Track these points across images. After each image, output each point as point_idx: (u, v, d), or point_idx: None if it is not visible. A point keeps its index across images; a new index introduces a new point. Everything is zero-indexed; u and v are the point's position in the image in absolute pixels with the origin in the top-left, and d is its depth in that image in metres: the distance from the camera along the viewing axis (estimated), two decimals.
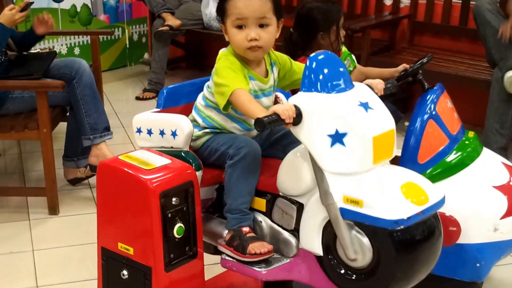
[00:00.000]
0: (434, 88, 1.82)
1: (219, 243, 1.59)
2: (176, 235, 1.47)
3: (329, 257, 1.43)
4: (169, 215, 1.45)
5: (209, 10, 4.00)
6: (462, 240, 1.67)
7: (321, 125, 1.35)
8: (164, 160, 1.52)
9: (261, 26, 1.53)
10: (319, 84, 1.37)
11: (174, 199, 1.46)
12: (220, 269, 1.85)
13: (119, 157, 1.53)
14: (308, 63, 1.41)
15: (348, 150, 1.33)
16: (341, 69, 1.41)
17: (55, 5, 4.13)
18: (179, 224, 1.47)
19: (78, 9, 4.30)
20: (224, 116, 1.61)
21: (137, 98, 4.03)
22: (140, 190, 1.43)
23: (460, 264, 1.69)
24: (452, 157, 1.74)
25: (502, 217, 1.69)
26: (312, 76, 1.38)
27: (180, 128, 1.59)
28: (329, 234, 1.42)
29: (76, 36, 4.25)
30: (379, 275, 1.36)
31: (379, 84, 1.56)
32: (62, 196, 2.62)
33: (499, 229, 1.68)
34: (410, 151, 1.70)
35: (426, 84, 1.81)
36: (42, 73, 2.59)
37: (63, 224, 2.46)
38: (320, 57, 1.41)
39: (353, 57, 2.45)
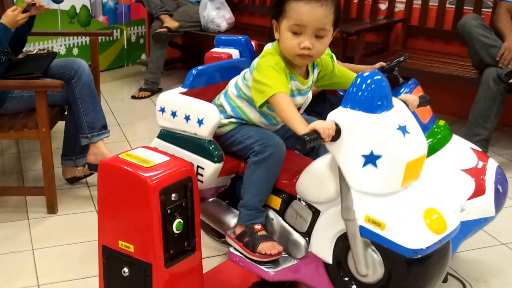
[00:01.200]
0: (409, 82, 1.90)
1: (228, 235, 1.58)
2: (175, 231, 1.48)
3: (338, 268, 1.44)
4: (169, 211, 1.46)
5: (207, 12, 4.03)
6: None
7: (357, 144, 1.33)
8: (163, 157, 1.53)
9: (317, 36, 1.48)
10: (362, 103, 1.35)
11: (173, 195, 1.47)
12: (216, 261, 1.89)
13: (119, 155, 1.54)
14: (355, 81, 1.38)
15: (380, 173, 1.32)
16: (385, 89, 1.37)
17: (54, 6, 4.15)
18: (178, 220, 1.48)
19: (78, 10, 4.32)
20: (255, 110, 1.58)
21: (133, 97, 4.04)
22: (141, 187, 1.44)
23: None
24: None
25: (469, 198, 1.76)
26: (358, 94, 1.35)
27: (208, 117, 1.55)
28: (342, 247, 1.42)
29: (75, 37, 4.27)
30: None
31: (414, 101, 1.54)
32: (61, 195, 2.63)
33: (466, 209, 1.75)
34: None
35: (401, 79, 1.89)
36: (42, 73, 2.60)
37: (62, 223, 2.47)
38: (368, 75, 1.37)
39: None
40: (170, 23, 3.98)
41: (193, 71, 1.70)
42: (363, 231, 1.35)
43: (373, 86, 1.35)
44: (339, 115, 1.37)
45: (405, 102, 1.47)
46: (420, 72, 3.14)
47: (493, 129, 2.89)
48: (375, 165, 1.32)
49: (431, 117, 1.92)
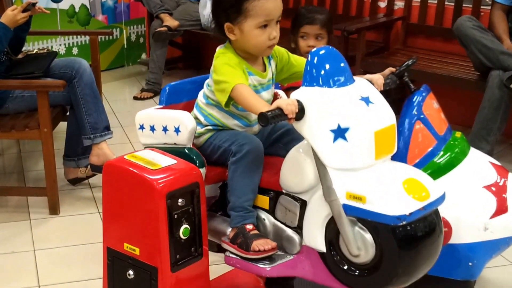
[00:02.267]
0: (420, 89, 1.83)
1: (222, 240, 1.59)
2: (182, 236, 1.47)
3: (332, 253, 1.44)
4: (175, 216, 1.45)
5: (207, 11, 4.02)
6: (453, 240, 1.69)
7: (324, 120, 1.35)
8: (170, 160, 1.52)
9: (276, 23, 1.55)
10: (320, 79, 1.38)
11: (180, 200, 1.46)
12: (223, 269, 1.87)
13: (125, 156, 1.53)
14: (309, 58, 1.41)
15: (351, 145, 1.34)
16: (342, 64, 1.41)
17: (53, 5, 4.14)
18: (185, 226, 1.47)
19: (77, 10, 4.31)
20: (225, 113, 1.62)
21: (135, 98, 4.04)
22: (147, 190, 1.44)
23: (453, 264, 1.71)
24: (440, 158, 1.75)
25: (492, 216, 1.71)
26: (314, 71, 1.39)
27: (183, 124, 1.58)
28: (332, 231, 1.43)
29: (75, 36, 4.26)
30: (381, 271, 1.37)
31: (379, 79, 1.57)
32: (63, 196, 2.62)
33: (489, 228, 1.70)
34: (399, 154, 1.70)
35: (412, 86, 1.83)
36: (43, 72, 2.59)
37: (63, 224, 2.47)
38: (321, 52, 1.41)
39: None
40: (170, 22, 3.98)
41: (166, 87, 1.74)
42: (347, 208, 1.36)
43: (326, 60, 1.38)
44: (300, 93, 1.39)
45: (370, 81, 1.50)
46: (422, 74, 3.13)
47: (495, 143, 2.85)
48: (344, 138, 1.34)
49: (447, 128, 1.84)
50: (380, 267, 1.38)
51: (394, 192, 1.34)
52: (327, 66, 1.39)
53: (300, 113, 1.37)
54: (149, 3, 4.07)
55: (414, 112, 1.76)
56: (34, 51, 2.84)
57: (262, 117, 1.35)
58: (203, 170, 1.58)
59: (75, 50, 4.33)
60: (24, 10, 2.51)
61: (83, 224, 2.47)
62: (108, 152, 2.62)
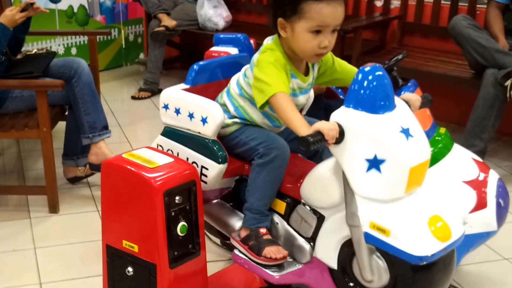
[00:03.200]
0: (408, 84, 1.83)
1: (233, 237, 1.58)
2: (179, 233, 1.48)
3: (343, 273, 1.43)
4: (173, 213, 1.46)
5: (204, 11, 4.04)
6: None
7: (361, 148, 1.31)
8: (167, 159, 1.52)
9: (333, 31, 1.46)
10: (366, 103, 1.32)
11: (177, 197, 1.47)
12: (220, 266, 1.90)
13: (123, 155, 1.54)
14: (358, 77, 1.34)
15: (384, 178, 1.31)
16: (388, 87, 1.34)
17: (52, 5, 4.15)
18: (182, 223, 1.47)
19: (75, 10, 4.32)
20: (258, 110, 1.55)
21: (133, 98, 4.04)
22: (144, 188, 1.45)
23: None
24: None
25: (471, 211, 1.73)
26: (360, 92, 1.32)
27: (212, 116, 1.53)
28: (347, 253, 1.42)
29: (73, 36, 4.27)
30: None
31: (416, 101, 1.51)
32: (62, 194, 2.64)
33: (468, 222, 1.72)
34: None
35: (400, 80, 1.83)
36: (42, 72, 2.60)
37: (63, 222, 2.48)
38: (371, 73, 1.33)
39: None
40: (168, 21, 3.99)
41: (195, 66, 1.67)
42: (368, 237, 1.34)
43: (375, 83, 1.32)
44: (342, 115, 1.34)
45: (407, 102, 1.44)
46: (417, 72, 3.13)
47: (489, 140, 2.86)
48: (379, 169, 1.30)
49: (431, 124, 1.87)
50: None
51: (419, 231, 1.31)
52: (373, 89, 1.32)
53: (340, 137, 1.33)
54: (147, 3, 4.08)
55: None
56: (33, 51, 2.85)
57: (303, 141, 1.30)
58: (223, 166, 1.54)
59: (73, 50, 4.34)
60: (22, 10, 2.51)
61: (82, 222, 2.48)
62: (106, 151, 2.63)
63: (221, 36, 2.05)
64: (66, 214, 2.54)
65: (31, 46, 3.91)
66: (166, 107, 1.63)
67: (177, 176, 1.48)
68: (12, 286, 2.06)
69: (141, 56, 4.85)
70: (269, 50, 1.50)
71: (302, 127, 1.35)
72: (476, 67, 2.99)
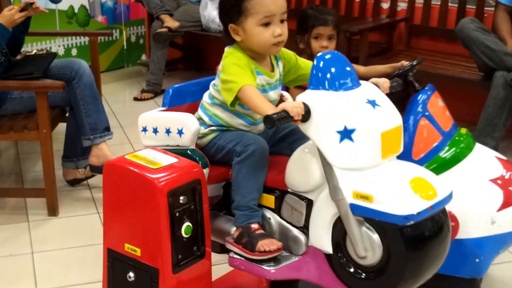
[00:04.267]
0: (425, 88, 1.86)
1: (226, 240, 1.58)
2: (184, 235, 1.46)
3: (339, 255, 1.43)
4: (177, 214, 1.44)
5: (207, 12, 4.01)
6: (460, 235, 1.68)
7: (330, 122, 1.37)
8: (171, 159, 1.51)
9: (281, 21, 1.56)
10: (326, 82, 1.40)
11: (181, 197, 1.46)
12: (225, 269, 1.84)
13: (126, 156, 1.52)
14: (315, 62, 1.43)
15: (357, 146, 1.35)
16: (348, 68, 1.43)
17: (52, 6, 4.12)
18: (187, 223, 1.46)
19: (76, 10, 4.29)
20: (230, 113, 1.62)
21: (135, 99, 4.03)
22: (148, 189, 1.43)
23: (460, 260, 1.70)
24: (446, 152, 1.77)
25: (499, 210, 1.71)
26: (320, 74, 1.41)
27: (187, 126, 1.59)
28: (339, 231, 1.42)
29: (74, 37, 4.24)
30: (388, 273, 1.36)
31: (385, 83, 1.58)
32: (61, 197, 2.60)
33: (496, 221, 1.70)
34: (404, 148, 1.71)
35: (417, 85, 1.85)
36: (42, 73, 2.57)
37: (62, 225, 2.45)
38: (327, 56, 1.43)
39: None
40: (171, 23, 3.96)
41: (170, 90, 1.74)
42: (354, 208, 1.35)
43: (332, 64, 1.40)
44: (306, 96, 1.40)
45: (376, 85, 1.51)
46: (426, 74, 3.12)
47: (500, 139, 2.87)
48: (351, 139, 1.35)
49: (452, 124, 1.87)
50: (387, 270, 1.36)
51: (401, 191, 1.33)
52: (333, 70, 1.40)
53: (306, 115, 1.38)
54: (149, 4, 4.06)
55: (419, 109, 1.78)
56: (33, 52, 2.83)
57: (268, 119, 1.36)
58: (206, 171, 1.57)
59: (74, 51, 4.31)
60: (21, 10, 2.50)
61: (82, 225, 2.45)
62: (108, 152, 2.60)
63: None
64: (66, 217, 2.51)
65: (31, 47, 3.87)
66: (144, 129, 1.68)
67: (181, 175, 1.47)
68: None
69: (143, 57, 4.82)
70: (230, 54, 1.59)
71: (269, 109, 1.41)
72: (485, 69, 2.99)
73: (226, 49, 1.62)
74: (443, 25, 3.58)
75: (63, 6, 4.19)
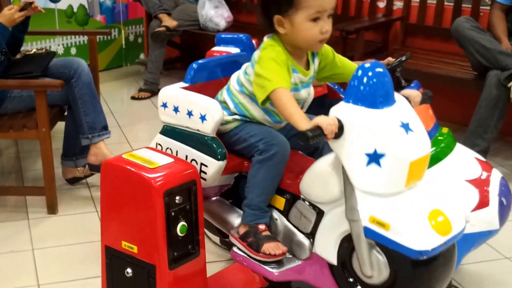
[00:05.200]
0: (411, 85, 1.84)
1: (231, 234, 1.57)
2: (179, 234, 1.47)
3: (343, 269, 1.43)
4: (173, 213, 1.46)
5: (205, 11, 4.03)
6: None
7: (361, 143, 1.32)
8: (168, 159, 1.52)
9: (328, 17, 1.50)
10: (365, 98, 1.33)
11: (177, 197, 1.46)
12: (219, 266, 1.88)
13: (123, 155, 1.53)
14: (359, 73, 1.35)
15: (384, 172, 1.31)
16: (388, 84, 1.36)
17: (51, 5, 4.14)
18: (182, 223, 1.47)
19: (75, 10, 4.31)
20: (258, 107, 1.56)
21: (133, 98, 4.03)
22: (144, 188, 1.44)
23: None
24: None
25: (473, 210, 1.73)
26: (360, 87, 1.33)
27: (211, 114, 1.54)
28: (347, 248, 1.41)
29: (73, 36, 4.26)
30: None
31: (417, 97, 1.53)
32: (61, 195, 2.62)
33: (470, 221, 1.71)
34: None
35: (403, 81, 1.84)
36: (41, 71, 2.59)
37: (62, 223, 2.47)
38: (371, 70, 1.34)
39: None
40: (169, 22, 3.98)
41: (194, 65, 1.68)
42: (368, 232, 1.34)
43: (375, 79, 1.33)
44: (341, 110, 1.35)
45: (407, 98, 1.46)
46: (420, 73, 3.12)
47: (491, 140, 2.86)
48: (378, 164, 1.30)
49: (434, 124, 1.88)
50: None
51: (419, 225, 1.31)
52: (373, 85, 1.33)
53: (339, 132, 1.33)
54: (148, 3, 4.07)
55: None
56: (32, 51, 2.84)
57: (302, 136, 1.30)
58: (223, 163, 1.54)
59: (73, 50, 4.33)
60: (21, 9, 2.50)
61: (81, 223, 2.46)
62: (106, 151, 2.62)
63: (223, 36, 2.04)
64: (65, 215, 2.53)
65: (30, 46, 3.90)
66: (164, 105, 1.62)
67: (177, 176, 1.48)
68: None
69: (141, 56, 4.83)
70: (269, 47, 1.51)
71: (302, 121, 1.36)
72: (479, 68, 2.99)
73: (266, 39, 1.54)
74: (438, 24, 3.59)
75: (62, 5, 4.21)
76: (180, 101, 1.59)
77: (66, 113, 2.77)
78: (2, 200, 2.65)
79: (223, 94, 1.63)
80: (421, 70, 3.18)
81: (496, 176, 1.83)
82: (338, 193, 1.40)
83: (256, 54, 1.53)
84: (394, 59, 1.85)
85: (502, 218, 1.79)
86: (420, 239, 1.29)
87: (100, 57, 4.19)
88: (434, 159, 1.76)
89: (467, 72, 3.14)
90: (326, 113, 1.38)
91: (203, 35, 4.07)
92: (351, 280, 1.43)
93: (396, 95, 1.39)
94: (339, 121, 1.33)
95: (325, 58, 1.61)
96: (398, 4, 3.75)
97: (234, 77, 1.61)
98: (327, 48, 1.62)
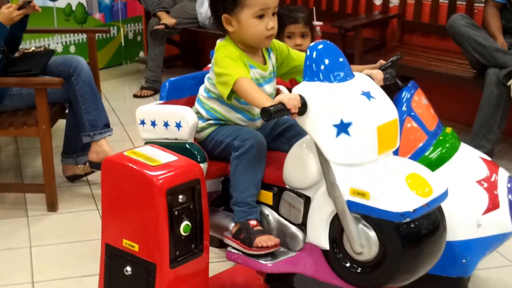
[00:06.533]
0: (408, 86, 1.84)
1: (225, 235, 1.58)
2: (182, 233, 1.45)
3: (335, 250, 1.43)
4: (176, 212, 1.43)
5: (204, 9, 4.03)
6: (447, 237, 1.63)
7: (326, 115, 1.34)
8: (170, 157, 1.50)
9: (273, 14, 1.57)
10: (321, 73, 1.37)
11: (180, 196, 1.44)
12: (222, 266, 1.87)
13: (124, 153, 1.51)
14: (308, 53, 1.40)
15: (353, 140, 1.33)
16: (341, 59, 1.40)
17: (50, 3, 4.13)
18: (186, 222, 1.45)
19: (74, 8, 4.30)
20: (227, 107, 1.60)
21: (135, 96, 4.05)
22: (146, 186, 1.42)
23: (447, 261, 1.67)
24: (431, 153, 1.76)
25: (484, 213, 1.70)
26: (314, 65, 1.38)
27: (185, 119, 1.57)
28: (336, 228, 1.41)
29: (72, 34, 4.26)
30: (384, 268, 1.36)
31: (378, 74, 1.56)
32: (61, 193, 2.62)
33: (482, 224, 1.69)
34: None
35: (399, 82, 1.84)
36: (40, 69, 2.59)
37: (61, 220, 2.46)
38: (320, 46, 1.40)
39: None
40: (168, 20, 3.98)
41: (166, 83, 1.73)
42: (351, 205, 1.34)
43: (326, 54, 1.38)
44: (302, 88, 1.38)
45: (369, 76, 1.49)
46: (419, 71, 3.13)
47: (496, 142, 2.85)
48: (347, 133, 1.33)
49: (437, 124, 1.85)
50: (382, 265, 1.37)
51: (398, 188, 1.32)
52: (327, 61, 1.38)
53: (303, 107, 1.36)
54: (146, 1, 4.07)
55: (404, 108, 1.77)
56: (31, 49, 2.84)
57: (264, 111, 1.34)
58: (204, 165, 1.56)
59: (72, 49, 4.33)
60: (19, 8, 2.50)
61: (81, 221, 2.46)
62: (107, 149, 2.61)
63: None
64: (65, 213, 2.53)
65: (29, 44, 3.89)
66: (142, 122, 1.67)
67: (181, 174, 1.46)
68: (3, 285, 2.04)
69: (141, 54, 4.83)
70: (222, 47, 1.58)
71: (266, 101, 1.40)
72: (477, 66, 2.99)
73: (218, 42, 1.61)
74: (434, 21, 3.59)
75: (61, 3, 4.20)
76: (156, 114, 1.64)
77: (67, 111, 2.77)
78: (1, 197, 2.65)
79: (195, 105, 1.69)
80: (420, 68, 3.19)
81: (503, 175, 1.80)
82: (318, 174, 1.42)
83: (212, 58, 1.60)
84: (385, 62, 1.87)
85: None
86: (400, 201, 1.30)
87: (100, 55, 4.18)
88: (440, 160, 1.74)
89: (466, 70, 3.14)
90: None
91: (202, 33, 4.08)
92: (346, 264, 1.42)
93: (356, 73, 1.44)
94: (302, 97, 1.36)
95: (280, 53, 1.67)
96: (394, 1, 3.76)
97: (201, 88, 1.69)
98: (281, 44, 1.68)
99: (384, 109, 1.37)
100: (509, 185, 1.78)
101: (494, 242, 1.77)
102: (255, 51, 1.61)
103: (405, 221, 1.30)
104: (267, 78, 1.63)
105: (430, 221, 1.36)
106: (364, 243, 1.37)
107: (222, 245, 1.64)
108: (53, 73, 2.62)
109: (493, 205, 1.73)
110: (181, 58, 4.75)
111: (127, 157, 1.50)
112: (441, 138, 1.81)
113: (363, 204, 1.33)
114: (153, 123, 1.64)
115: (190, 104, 1.70)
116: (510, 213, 1.75)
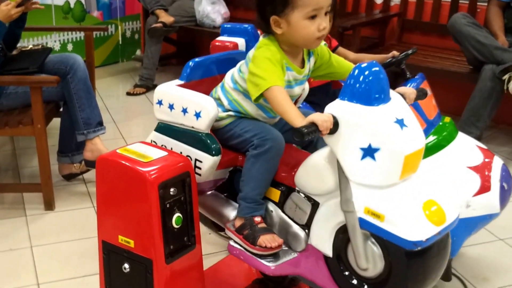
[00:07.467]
0: (416, 77, 1.88)
1: (227, 227, 1.58)
2: (175, 225, 1.48)
3: (338, 261, 1.43)
4: (168, 205, 1.46)
5: (202, 7, 4.03)
6: None
7: (356, 137, 1.34)
8: (161, 153, 1.53)
9: (325, 14, 1.49)
10: (361, 96, 1.35)
11: (172, 189, 1.47)
12: (215, 259, 1.87)
13: (117, 150, 1.54)
14: (355, 72, 1.37)
15: (378, 165, 1.32)
16: (383, 81, 1.37)
17: (48, 1, 4.13)
18: (177, 214, 1.48)
19: (72, 6, 4.30)
20: (252, 103, 1.57)
21: (128, 94, 4.04)
22: (139, 182, 1.44)
23: None
24: (429, 139, 1.83)
25: (475, 195, 1.77)
26: (355, 86, 1.35)
27: (206, 110, 1.54)
28: (342, 239, 1.42)
29: (69, 32, 4.25)
30: (387, 287, 1.37)
31: (412, 94, 1.54)
32: (57, 191, 2.63)
33: (471, 205, 1.76)
34: None
35: (407, 73, 1.89)
36: (37, 68, 2.58)
37: (59, 219, 2.47)
38: (367, 69, 1.36)
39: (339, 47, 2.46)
40: (166, 18, 3.98)
41: (190, 63, 1.69)
42: (363, 223, 1.35)
43: (370, 78, 1.35)
44: (337, 107, 1.37)
45: (402, 95, 1.47)
46: (415, 67, 3.14)
47: (484, 128, 2.92)
48: (373, 158, 1.32)
49: (437, 114, 1.92)
50: (386, 283, 1.37)
51: (414, 216, 1.32)
52: (369, 83, 1.35)
53: (334, 127, 1.35)
54: None
55: None
56: (29, 47, 2.84)
57: (297, 133, 1.32)
58: (217, 158, 1.55)
59: (70, 46, 4.32)
60: (18, 5, 2.50)
61: (79, 219, 2.47)
62: (101, 147, 2.62)
63: (228, 26, 2.04)
64: (62, 211, 2.53)
65: (27, 42, 3.89)
66: (160, 102, 1.63)
67: (171, 168, 1.48)
68: None
69: (138, 52, 4.83)
70: (264, 46, 1.52)
71: (297, 119, 1.37)
72: (474, 63, 3.02)
73: (261, 38, 1.54)
74: (435, 20, 3.60)
75: (59, 1, 4.20)
76: (175, 98, 1.60)
77: (61, 109, 2.76)
78: (0, 197, 2.66)
79: (218, 91, 1.64)
80: (415, 64, 3.20)
81: (497, 162, 1.88)
82: (333, 185, 1.41)
83: (251, 53, 1.55)
84: (399, 53, 1.87)
85: (503, 202, 1.84)
86: (415, 229, 1.30)
87: (97, 53, 4.20)
88: (437, 147, 1.80)
89: (462, 66, 3.17)
90: (330, 101, 1.41)
91: (200, 31, 4.08)
92: (346, 273, 1.43)
93: (392, 92, 1.41)
94: (334, 117, 1.35)
95: (321, 58, 1.62)
96: (395, 1, 3.76)
97: (228, 75, 1.63)
98: (324, 48, 1.63)
99: (414, 138, 1.36)
100: (503, 173, 1.86)
101: (480, 222, 1.84)
102: (297, 54, 1.56)
103: (416, 249, 1.31)
104: (300, 81, 1.59)
105: (440, 247, 1.37)
106: (369, 259, 1.37)
107: (219, 229, 1.63)
108: (50, 71, 2.61)
109: (485, 188, 1.79)
110: (177, 56, 4.75)
111: (120, 154, 1.52)
112: (439, 126, 1.88)
113: (376, 225, 1.32)
114: (171, 106, 1.60)
115: (208, 84, 1.66)
116: (500, 197, 1.82)
